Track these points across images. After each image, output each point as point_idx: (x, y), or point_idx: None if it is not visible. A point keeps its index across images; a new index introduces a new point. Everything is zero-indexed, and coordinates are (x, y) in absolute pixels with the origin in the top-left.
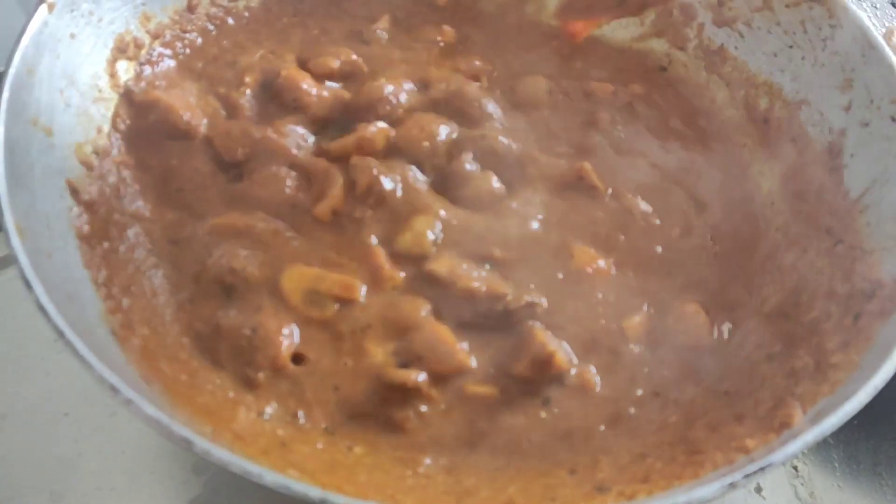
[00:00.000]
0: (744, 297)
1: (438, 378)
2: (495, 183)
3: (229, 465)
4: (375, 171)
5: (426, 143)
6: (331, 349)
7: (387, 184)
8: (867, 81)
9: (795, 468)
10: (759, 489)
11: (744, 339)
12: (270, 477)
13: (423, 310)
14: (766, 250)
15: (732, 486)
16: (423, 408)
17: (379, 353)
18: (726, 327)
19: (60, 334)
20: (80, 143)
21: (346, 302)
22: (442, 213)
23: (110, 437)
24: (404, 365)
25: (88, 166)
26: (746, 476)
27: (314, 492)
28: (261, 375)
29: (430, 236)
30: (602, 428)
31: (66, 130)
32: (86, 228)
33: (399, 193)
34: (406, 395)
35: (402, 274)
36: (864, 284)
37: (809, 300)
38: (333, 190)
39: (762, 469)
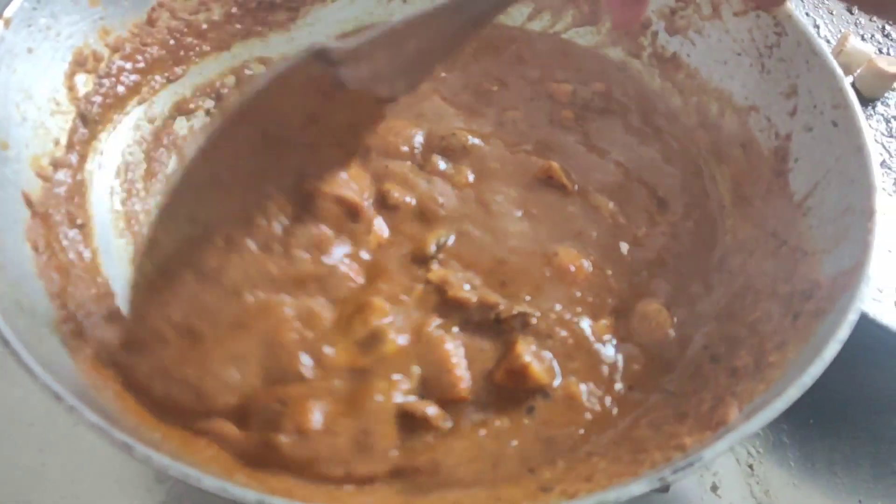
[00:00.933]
0: (700, 296)
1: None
2: (470, 177)
3: (169, 469)
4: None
5: (404, 147)
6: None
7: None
8: (810, 87)
9: (751, 467)
10: (714, 488)
11: (693, 340)
12: (208, 481)
13: (433, 324)
14: (720, 252)
15: (661, 480)
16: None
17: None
18: (682, 327)
19: (5, 343)
20: (37, 156)
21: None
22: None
23: (75, 447)
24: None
25: (45, 178)
26: (675, 472)
27: (251, 495)
28: None
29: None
30: (581, 431)
31: (23, 143)
32: (41, 240)
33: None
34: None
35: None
36: (804, 285)
37: (754, 301)
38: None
39: (690, 465)
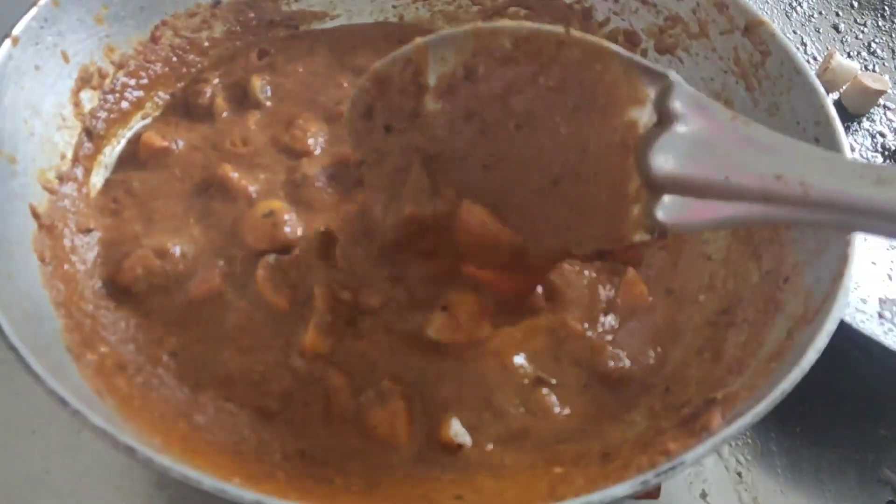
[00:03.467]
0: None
1: None
2: None
3: (170, 471)
4: None
5: None
6: None
7: None
8: (793, 104)
9: (740, 475)
10: (704, 495)
11: (685, 346)
12: (209, 482)
13: None
14: (708, 275)
15: (644, 484)
16: None
17: None
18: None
19: (14, 350)
20: (44, 170)
21: None
22: None
23: (77, 455)
24: None
25: (51, 192)
26: (658, 475)
27: (249, 496)
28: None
29: None
30: None
31: (30, 158)
32: (47, 252)
33: None
34: None
35: None
36: (785, 296)
37: (739, 311)
38: None
39: (673, 468)
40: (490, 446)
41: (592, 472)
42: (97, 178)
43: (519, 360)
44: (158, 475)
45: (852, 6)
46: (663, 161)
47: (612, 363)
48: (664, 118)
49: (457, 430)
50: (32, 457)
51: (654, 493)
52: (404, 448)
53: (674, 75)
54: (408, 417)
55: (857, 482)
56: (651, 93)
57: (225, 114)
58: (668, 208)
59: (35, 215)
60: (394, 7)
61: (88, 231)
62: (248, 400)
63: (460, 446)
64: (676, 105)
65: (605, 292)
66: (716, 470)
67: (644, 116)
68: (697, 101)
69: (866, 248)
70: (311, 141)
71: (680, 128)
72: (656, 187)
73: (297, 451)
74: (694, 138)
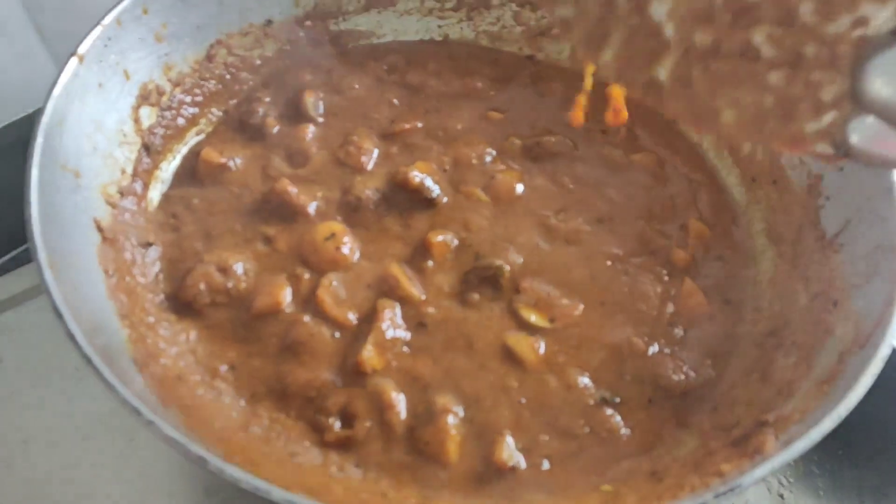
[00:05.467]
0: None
1: None
2: None
3: (241, 482)
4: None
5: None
6: None
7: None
8: None
9: (781, 496)
10: None
11: (734, 365)
12: (278, 493)
13: None
14: (753, 297)
15: None
16: None
17: None
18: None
19: (88, 360)
20: (106, 184)
21: None
22: None
23: (128, 461)
24: None
25: (113, 205)
26: (716, 496)
27: None
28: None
29: None
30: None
31: (93, 172)
32: (111, 264)
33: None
34: None
35: None
36: (836, 319)
37: (789, 334)
38: None
39: (731, 490)
40: (546, 465)
41: (643, 491)
42: (154, 193)
43: (584, 380)
44: (207, 482)
45: None
46: (886, 79)
47: (675, 377)
48: None
49: (511, 453)
50: (84, 464)
51: None
52: (454, 466)
53: None
54: (461, 436)
55: None
56: None
57: (277, 129)
58: (865, 131)
59: (99, 228)
60: (439, 27)
61: (148, 245)
62: (303, 413)
63: (513, 468)
64: None
65: (668, 307)
66: (757, 491)
67: (881, 16)
68: None
69: None
70: (364, 158)
71: None
72: (864, 104)
73: (351, 465)
74: None
